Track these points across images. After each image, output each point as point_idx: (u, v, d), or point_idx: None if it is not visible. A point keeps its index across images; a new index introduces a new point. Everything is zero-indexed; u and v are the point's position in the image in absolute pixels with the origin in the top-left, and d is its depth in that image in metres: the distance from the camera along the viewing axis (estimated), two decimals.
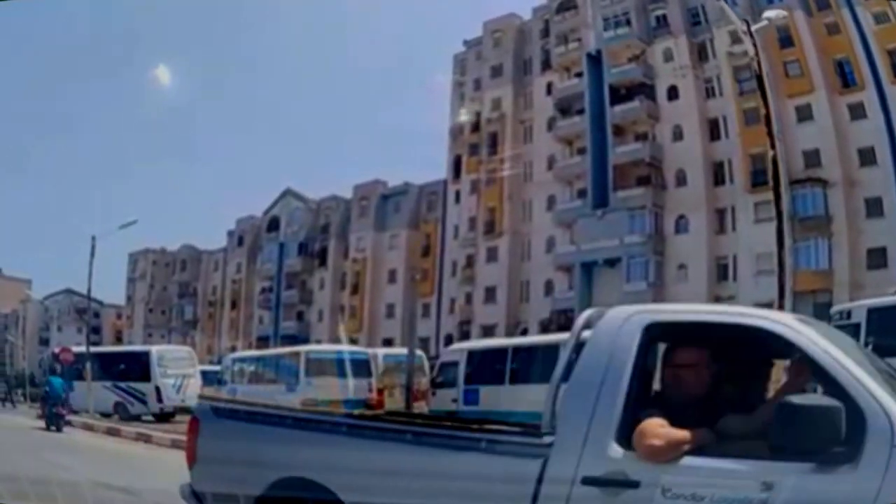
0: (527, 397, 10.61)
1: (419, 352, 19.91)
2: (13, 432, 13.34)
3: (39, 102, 65.09)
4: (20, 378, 54.31)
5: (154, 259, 53.44)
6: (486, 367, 12.72)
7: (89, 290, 23.58)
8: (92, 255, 21.52)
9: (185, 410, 16.71)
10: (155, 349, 20.82)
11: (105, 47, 62.97)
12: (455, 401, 12.73)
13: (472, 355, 13.34)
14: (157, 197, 60.45)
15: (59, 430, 14.23)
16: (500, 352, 13.09)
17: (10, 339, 67.10)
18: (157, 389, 19.06)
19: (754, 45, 9.49)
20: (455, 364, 13.24)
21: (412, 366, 11.53)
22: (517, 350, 12.79)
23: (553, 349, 10.52)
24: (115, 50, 64.56)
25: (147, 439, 12.58)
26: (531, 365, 11.83)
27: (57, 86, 65.46)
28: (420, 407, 16.56)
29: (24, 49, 56.91)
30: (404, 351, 18.87)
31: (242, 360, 19.72)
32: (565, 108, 30.42)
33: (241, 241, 47.70)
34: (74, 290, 62.26)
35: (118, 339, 58.56)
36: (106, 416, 18.61)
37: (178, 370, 19.68)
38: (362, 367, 15.81)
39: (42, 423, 14.63)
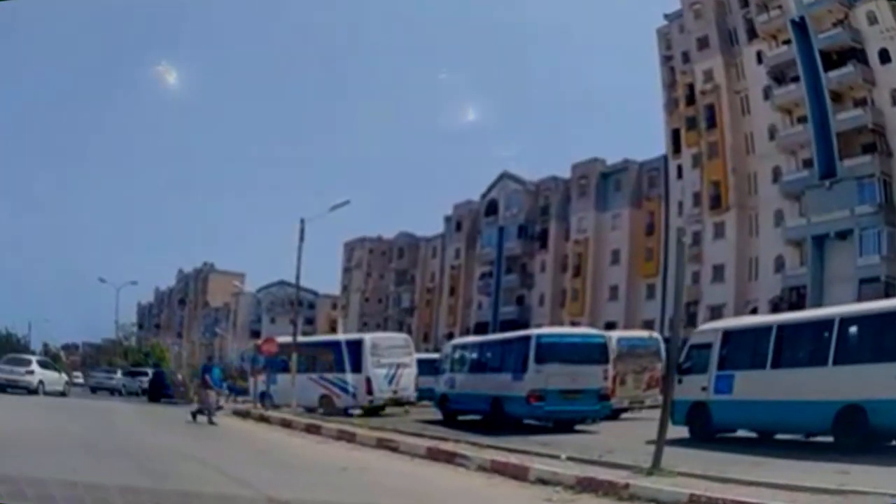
0: (791, 384, 12.97)
1: (654, 334, 25.26)
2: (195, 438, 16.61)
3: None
4: (228, 370, 77.28)
5: (370, 247, 74.54)
6: (745, 349, 14.66)
7: (298, 274, 28.24)
8: (301, 238, 26.78)
9: (396, 403, 24.53)
10: (368, 337, 26.34)
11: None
12: (705, 388, 14.66)
13: (729, 336, 15.12)
14: (370, 185, 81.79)
15: (210, 414, 21.39)
16: (762, 331, 14.71)
17: (219, 333, 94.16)
18: (368, 381, 23.92)
19: None
20: (706, 346, 15.02)
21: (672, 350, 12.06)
22: (783, 329, 14.27)
23: (825, 326, 13.11)
24: None
25: (350, 438, 15.39)
26: (799, 346, 13.87)
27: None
28: (653, 395, 21.31)
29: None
30: (641, 334, 25.72)
31: (463, 346, 23.21)
32: (779, 77, 41.70)
33: (458, 227, 65.76)
34: (288, 282, 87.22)
35: (332, 330, 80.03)
36: (310, 410, 23.62)
37: (393, 359, 24.71)
38: (598, 352, 18.30)
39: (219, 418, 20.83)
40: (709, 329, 16.63)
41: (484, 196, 63.48)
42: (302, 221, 26.79)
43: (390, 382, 24.30)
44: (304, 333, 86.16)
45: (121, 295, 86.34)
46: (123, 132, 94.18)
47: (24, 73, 76.37)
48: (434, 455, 12.35)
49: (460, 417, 20.65)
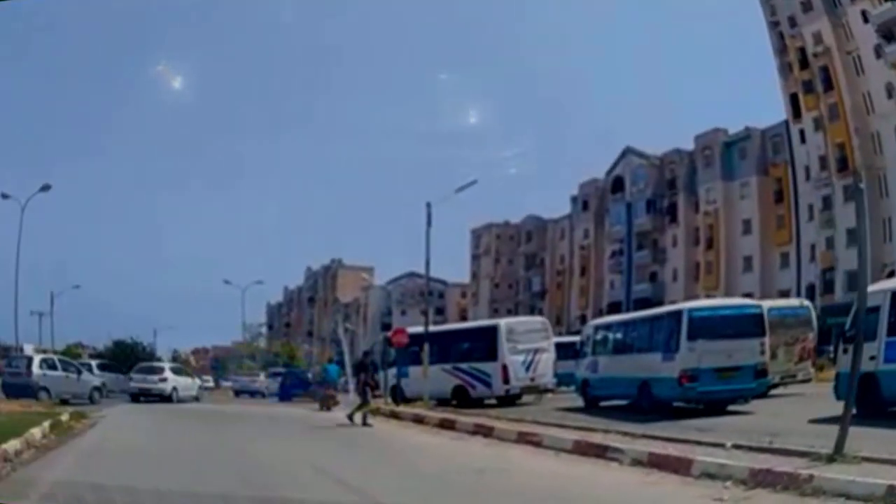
0: None
1: (806, 302, 26.31)
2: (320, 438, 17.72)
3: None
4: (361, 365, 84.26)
5: (497, 233, 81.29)
6: None
7: (427, 258, 29.03)
8: (428, 222, 28.24)
9: (533, 390, 25.99)
10: (503, 322, 27.72)
11: None
12: (873, 358, 14.38)
13: None
14: (494, 168, 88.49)
15: (328, 409, 26.26)
16: None
17: (349, 328, 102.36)
18: (504, 368, 25.17)
19: None
20: (874, 311, 14.35)
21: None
22: None
23: None
24: None
25: (487, 432, 15.90)
26: None
27: None
28: (805, 369, 22.81)
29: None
30: (791, 303, 27.02)
31: (606, 326, 23.62)
32: (888, 35, 45.26)
33: (585, 206, 71.60)
34: (417, 273, 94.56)
35: (463, 318, 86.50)
36: (443, 402, 24.88)
37: (530, 344, 25.88)
38: (755, 325, 18.37)
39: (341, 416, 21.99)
40: (877, 290, 15.45)
41: (609, 173, 68.94)
42: (428, 206, 28.21)
43: (527, 369, 25.52)
44: (435, 323, 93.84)
45: (250, 296, 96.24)
46: (244, 134, 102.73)
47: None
48: (582, 449, 12.38)
49: (602, 403, 21.62)
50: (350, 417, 20.45)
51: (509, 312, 79.11)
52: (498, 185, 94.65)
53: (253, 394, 47.09)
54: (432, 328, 29.46)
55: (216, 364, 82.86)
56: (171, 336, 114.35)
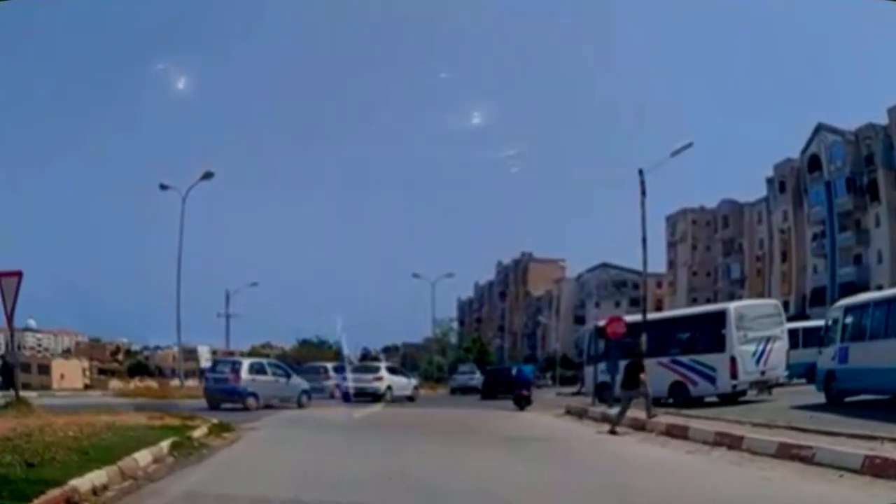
0: None
1: None
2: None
3: None
4: (551, 360, 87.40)
5: (693, 218, 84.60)
6: None
7: (643, 228, 27.99)
8: (643, 192, 27.16)
9: (762, 385, 24.83)
10: (733, 307, 25.69)
11: None
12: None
13: None
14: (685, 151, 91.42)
15: (521, 409, 29.04)
16: None
17: (541, 321, 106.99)
18: (733, 360, 23.65)
19: None
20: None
21: None
22: None
23: None
24: None
25: (733, 443, 13.75)
26: None
27: None
28: None
29: None
30: None
31: (861, 306, 20.79)
32: None
33: (782, 187, 73.88)
34: (611, 264, 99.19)
35: (658, 309, 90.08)
36: (658, 402, 21.78)
37: (762, 332, 24.37)
38: None
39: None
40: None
41: (804, 152, 70.70)
42: (641, 172, 27.30)
43: (758, 361, 24.20)
44: (629, 315, 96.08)
45: (440, 293, 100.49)
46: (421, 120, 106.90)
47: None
48: (879, 469, 10.25)
49: (848, 399, 19.99)
50: (613, 427, 18.80)
51: (708, 301, 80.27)
52: (687, 169, 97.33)
53: (463, 391, 50.35)
54: (653, 315, 28.78)
55: (405, 362, 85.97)
56: (359, 334, 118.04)
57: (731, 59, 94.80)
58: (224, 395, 28.86)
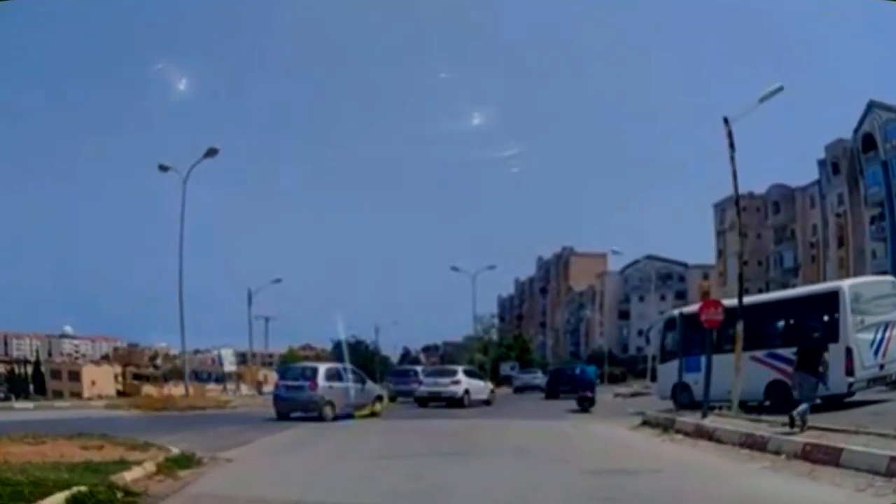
0: None
1: None
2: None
3: None
4: (596, 357, 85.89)
5: (743, 205, 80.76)
6: None
7: (735, 178, 22.82)
8: (731, 145, 22.03)
9: (879, 382, 20.48)
10: (847, 285, 21.50)
11: None
12: None
13: None
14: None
15: (584, 410, 28.82)
16: None
17: (584, 317, 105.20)
18: (849, 352, 19.57)
19: None
20: None
21: None
22: None
23: None
24: None
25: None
26: None
27: None
28: None
29: None
30: None
31: None
32: None
33: (836, 169, 70.92)
34: (656, 256, 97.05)
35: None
36: (751, 408, 20.00)
37: (880, 315, 20.55)
38: None
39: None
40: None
41: (856, 131, 67.70)
42: (725, 121, 22.62)
43: (877, 352, 20.38)
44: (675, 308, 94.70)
45: (479, 292, 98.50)
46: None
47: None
48: None
49: None
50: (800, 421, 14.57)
51: (760, 291, 79.69)
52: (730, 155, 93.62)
53: (521, 390, 51.31)
54: (750, 299, 24.63)
55: (445, 360, 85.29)
56: (396, 334, 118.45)
57: (765, 33, 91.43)
58: (299, 405, 27.40)
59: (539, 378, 52.39)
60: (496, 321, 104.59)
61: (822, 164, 72.82)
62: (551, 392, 41.72)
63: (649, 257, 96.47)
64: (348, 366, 31.68)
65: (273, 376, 73.77)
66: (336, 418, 27.01)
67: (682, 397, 22.69)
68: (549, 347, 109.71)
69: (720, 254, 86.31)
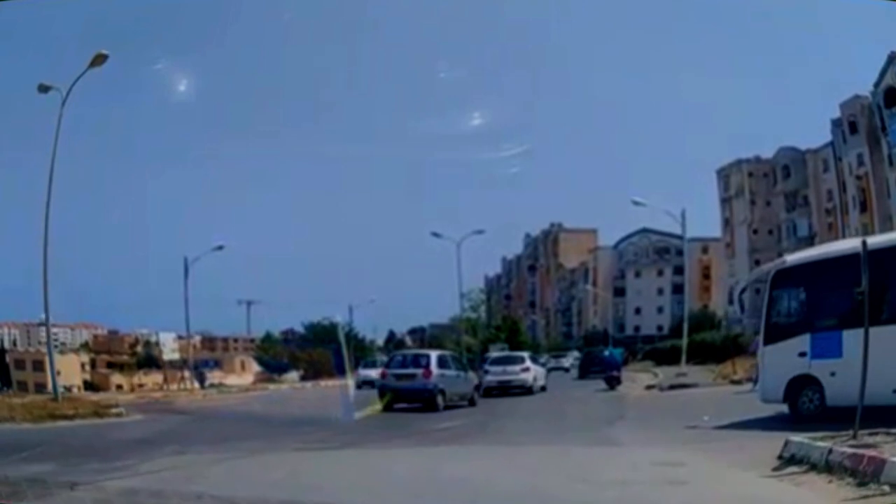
0: None
1: None
2: None
3: None
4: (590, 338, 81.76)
5: (749, 170, 76.44)
6: None
7: None
8: None
9: None
10: None
11: None
12: None
13: None
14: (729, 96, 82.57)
15: (612, 388, 32.41)
16: None
17: (575, 295, 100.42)
18: None
19: None
20: None
21: None
22: None
23: None
24: None
25: None
26: None
27: None
28: None
29: None
30: None
31: None
32: None
33: (853, 128, 65.49)
34: (651, 229, 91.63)
35: (705, 278, 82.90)
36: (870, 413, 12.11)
37: None
38: None
39: None
40: None
41: (877, 85, 62.52)
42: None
43: None
44: (674, 284, 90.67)
45: (466, 271, 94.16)
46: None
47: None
48: None
49: None
50: None
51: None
52: (736, 118, 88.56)
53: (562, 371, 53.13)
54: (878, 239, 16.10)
55: (431, 343, 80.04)
56: (373, 315, 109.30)
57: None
58: (411, 394, 26.87)
59: (567, 361, 57.03)
60: (484, 296, 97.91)
61: (836, 123, 67.39)
62: (583, 372, 45.46)
63: (644, 230, 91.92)
64: (451, 352, 32.88)
65: (251, 364, 68.93)
66: (446, 408, 26.39)
67: (805, 401, 16.10)
68: (539, 328, 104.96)
69: (726, 223, 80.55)
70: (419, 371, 27.06)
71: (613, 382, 34.18)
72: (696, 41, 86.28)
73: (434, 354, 28.76)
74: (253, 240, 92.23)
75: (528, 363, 34.86)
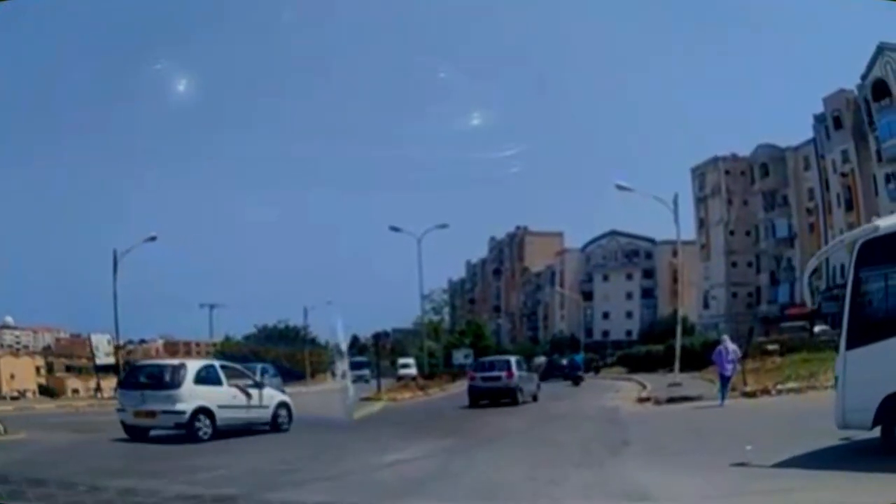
0: None
1: None
2: None
3: None
4: (557, 342, 78.93)
5: (726, 168, 73.01)
6: None
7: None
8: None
9: None
10: None
11: None
12: None
13: None
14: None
15: (576, 384, 42.64)
16: None
17: (541, 299, 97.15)
18: None
19: None
20: None
21: None
22: None
23: None
24: None
25: None
26: None
27: None
28: None
29: None
30: None
31: None
32: None
33: (838, 123, 62.18)
34: (620, 231, 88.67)
35: (675, 282, 79.73)
36: None
37: None
38: None
39: None
40: None
41: (864, 78, 59.44)
42: None
43: None
44: (643, 288, 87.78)
45: (429, 276, 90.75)
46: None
47: None
48: None
49: None
50: None
51: (750, 266, 72.69)
52: (711, 117, 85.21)
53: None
54: None
55: (395, 348, 78.99)
56: (330, 317, 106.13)
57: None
58: (497, 393, 30.65)
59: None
60: (447, 297, 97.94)
61: (819, 119, 64.25)
62: (546, 375, 46.95)
63: (613, 233, 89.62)
64: (517, 357, 35.46)
65: None
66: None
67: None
68: (505, 332, 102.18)
69: (701, 223, 76.93)
70: (503, 373, 31.23)
71: (578, 381, 44.89)
72: (667, 33, 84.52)
73: (513, 359, 33.38)
74: (216, 242, 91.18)
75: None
